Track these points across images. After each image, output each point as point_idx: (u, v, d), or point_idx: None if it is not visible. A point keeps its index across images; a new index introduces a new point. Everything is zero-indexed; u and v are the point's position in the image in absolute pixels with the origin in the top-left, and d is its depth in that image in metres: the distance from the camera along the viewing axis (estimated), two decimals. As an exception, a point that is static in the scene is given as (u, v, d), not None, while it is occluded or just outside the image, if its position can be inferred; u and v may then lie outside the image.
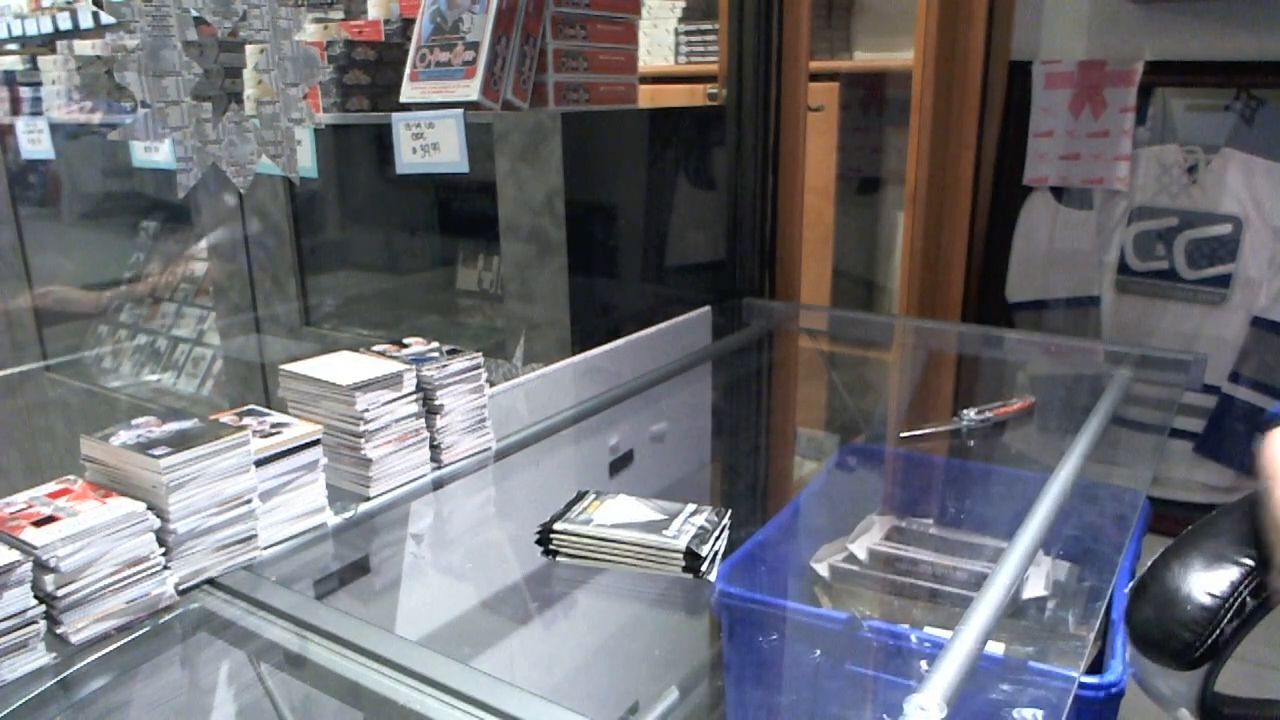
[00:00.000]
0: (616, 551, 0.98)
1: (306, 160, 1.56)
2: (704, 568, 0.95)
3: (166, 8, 1.01)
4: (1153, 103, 1.84)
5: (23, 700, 0.73)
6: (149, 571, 0.82)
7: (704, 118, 1.82)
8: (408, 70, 1.63)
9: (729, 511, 1.03)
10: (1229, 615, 0.83)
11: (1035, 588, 0.98)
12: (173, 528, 0.83)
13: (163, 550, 0.83)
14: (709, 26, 2.90)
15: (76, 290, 1.94)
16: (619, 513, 1.03)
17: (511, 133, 1.51)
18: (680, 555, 0.95)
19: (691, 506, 1.05)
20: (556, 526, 1.01)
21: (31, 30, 2.52)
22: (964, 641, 0.68)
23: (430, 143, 1.49)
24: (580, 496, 1.09)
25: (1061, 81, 1.92)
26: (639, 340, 1.52)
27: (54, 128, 2.23)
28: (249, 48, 1.10)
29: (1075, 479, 0.98)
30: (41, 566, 0.75)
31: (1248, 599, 0.83)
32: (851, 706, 0.84)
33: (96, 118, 2.21)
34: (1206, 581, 0.85)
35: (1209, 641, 0.81)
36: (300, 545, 0.96)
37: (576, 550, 1.01)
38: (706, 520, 1.01)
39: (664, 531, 0.98)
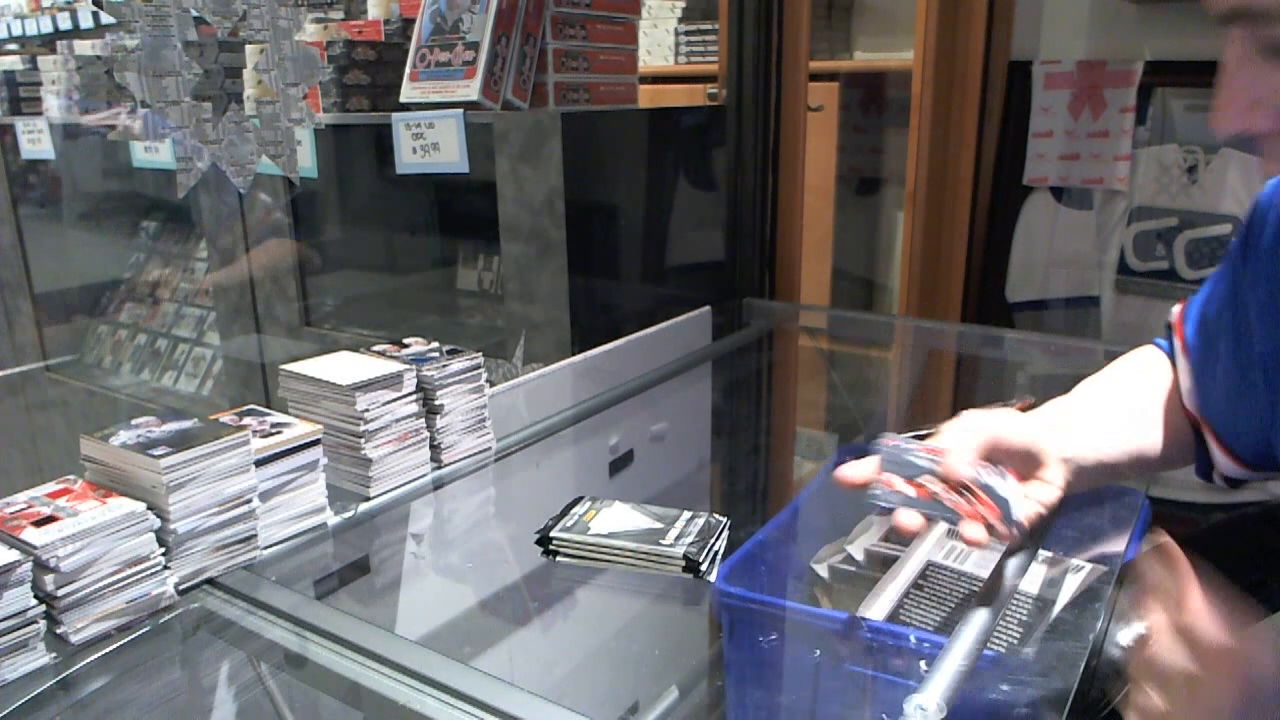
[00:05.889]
0: (615, 561, 0.98)
1: (306, 160, 1.56)
2: (703, 568, 0.95)
3: (166, 8, 1.01)
4: (1153, 103, 1.84)
5: (23, 700, 0.73)
6: (149, 571, 0.82)
7: (704, 118, 1.82)
8: (408, 70, 1.63)
9: (727, 521, 1.03)
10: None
11: (1034, 587, 0.98)
12: (173, 528, 0.83)
13: (163, 550, 0.83)
14: (709, 26, 2.90)
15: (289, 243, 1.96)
16: (615, 521, 1.03)
17: (511, 133, 1.51)
18: (680, 560, 0.95)
19: (689, 514, 1.05)
20: (553, 534, 1.01)
21: (31, 30, 2.52)
22: (964, 641, 0.68)
23: (430, 143, 1.49)
24: (576, 502, 1.08)
25: (1061, 82, 1.92)
26: (639, 340, 1.52)
27: (53, 127, 2.23)
28: (249, 48, 1.10)
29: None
30: (41, 566, 0.75)
31: None
32: (851, 706, 0.84)
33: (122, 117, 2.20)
34: (1124, 631, 0.77)
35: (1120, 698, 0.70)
36: (300, 545, 0.96)
37: (574, 559, 1.01)
38: (704, 527, 1.01)
39: (661, 541, 0.98)
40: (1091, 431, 0.86)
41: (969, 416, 0.82)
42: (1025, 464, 0.80)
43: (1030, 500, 0.79)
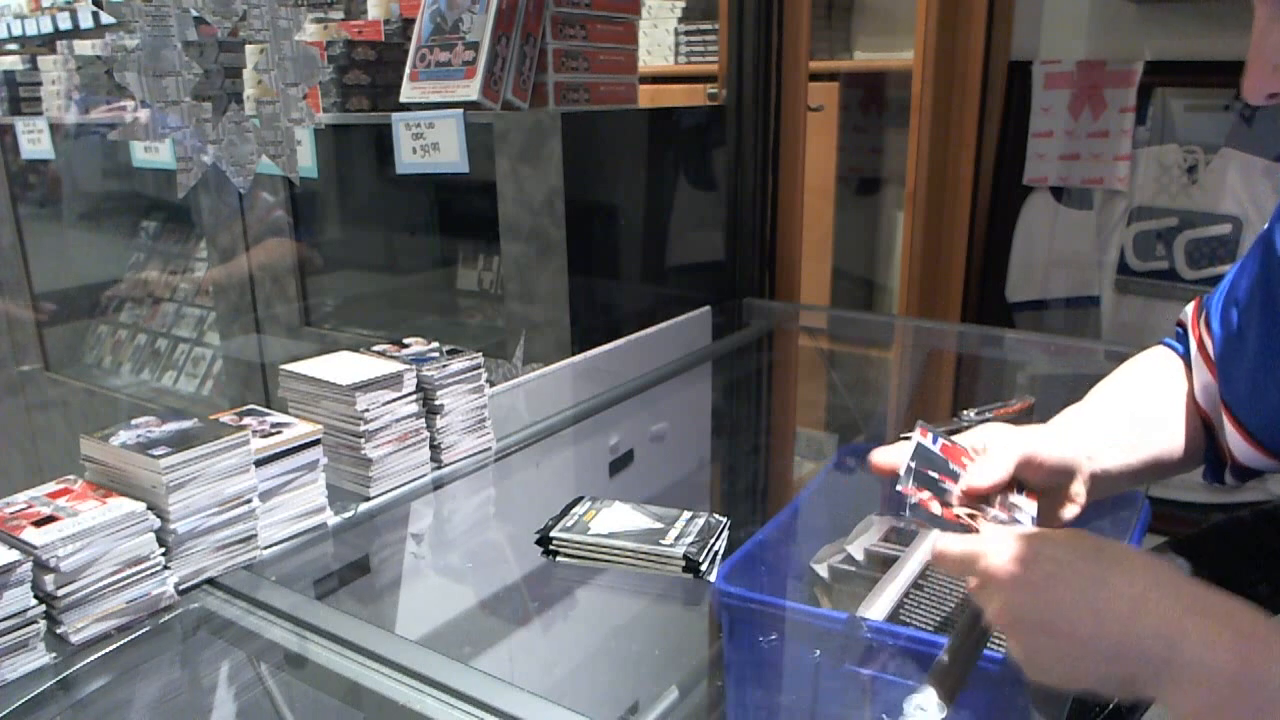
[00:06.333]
0: (615, 560, 0.98)
1: (306, 160, 1.56)
2: (703, 568, 0.95)
3: (166, 8, 1.01)
4: (1153, 103, 1.84)
5: (23, 700, 0.73)
6: (149, 571, 0.82)
7: (704, 118, 1.82)
8: (408, 70, 1.63)
9: (727, 521, 1.03)
10: None
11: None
12: (173, 528, 0.83)
13: (163, 550, 0.83)
14: (709, 26, 2.90)
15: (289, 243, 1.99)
16: (616, 521, 1.03)
17: (511, 133, 1.51)
18: (680, 560, 0.95)
19: (689, 514, 1.05)
20: (553, 534, 1.01)
21: (31, 30, 2.52)
22: (964, 641, 0.68)
23: (430, 143, 1.49)
24: (576, 502, 1.08)
25: (1061, 81, 1.92)
26: (639, 340, 1.52)
27: (64, 127, 2.24)
28: (249, 48, 1.10)
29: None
30: (41, 566, 0.75)
31: None
32: (851, 706, 0.84)
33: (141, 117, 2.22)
34: None
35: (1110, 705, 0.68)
36: (300, 545, 0.96)
37: (574, 559, 1.01)
38: (704, 527, 1.01)
39: (661, 541, 0.98)
40: (1114, 441, 0.84)
41: (998, 429, 0.80)
42: (1057, 479, 0.79)
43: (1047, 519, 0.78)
